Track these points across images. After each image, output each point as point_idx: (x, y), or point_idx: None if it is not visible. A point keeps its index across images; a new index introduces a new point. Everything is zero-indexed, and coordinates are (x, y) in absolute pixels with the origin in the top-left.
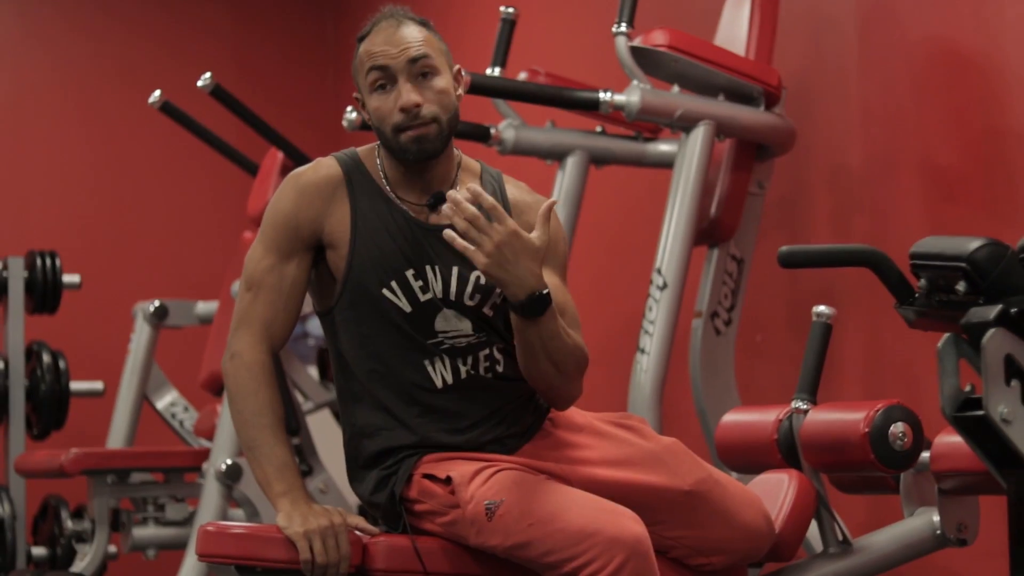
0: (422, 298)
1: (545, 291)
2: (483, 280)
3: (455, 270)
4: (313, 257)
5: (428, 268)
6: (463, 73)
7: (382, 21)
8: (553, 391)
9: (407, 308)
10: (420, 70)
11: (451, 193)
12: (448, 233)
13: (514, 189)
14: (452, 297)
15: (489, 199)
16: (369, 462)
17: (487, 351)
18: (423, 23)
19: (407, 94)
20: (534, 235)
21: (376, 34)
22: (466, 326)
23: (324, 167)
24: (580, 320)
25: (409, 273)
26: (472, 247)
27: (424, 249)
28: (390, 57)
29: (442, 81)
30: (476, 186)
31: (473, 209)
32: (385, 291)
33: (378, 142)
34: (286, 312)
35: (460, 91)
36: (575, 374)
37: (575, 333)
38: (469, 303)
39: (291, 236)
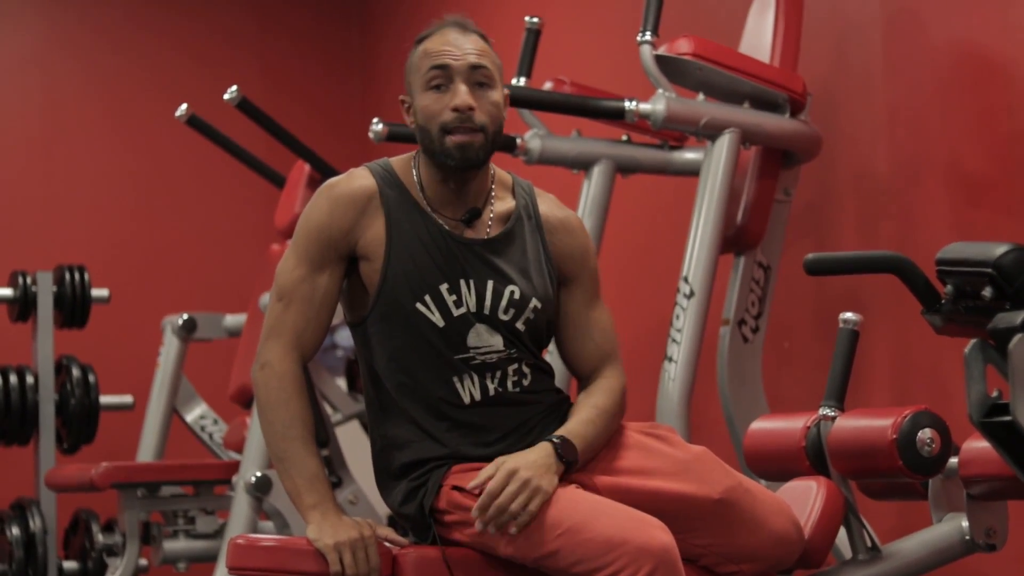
0: (455, 313)
1: (557, 445)
2: (517, 295)
3: (490, 284)
4: (345, 268)
5: (462, 282)
6: (508, 94)
7: (448, 25)
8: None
9: (440, 323)
10: (478, 79)
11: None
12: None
13: (544, 204)
14: (486, 311)
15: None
16: (398, 473)
17: (516, 366)
18: (485, 38)
19: (463, 95)
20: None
21: (441, 35)
22: (497, 341)
23: (358, 178)
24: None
25: (443, 287)
26: (538, 498)
27: (459, 263)
28: (453, 58)
29: (496, 95)
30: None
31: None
32: (419, 305)
33: (414, 152)
34: (317, 323)
35: (504, 112)
36: (619, 416)
37: (606, 382)
38: (503, 317)
39: (324, 247)
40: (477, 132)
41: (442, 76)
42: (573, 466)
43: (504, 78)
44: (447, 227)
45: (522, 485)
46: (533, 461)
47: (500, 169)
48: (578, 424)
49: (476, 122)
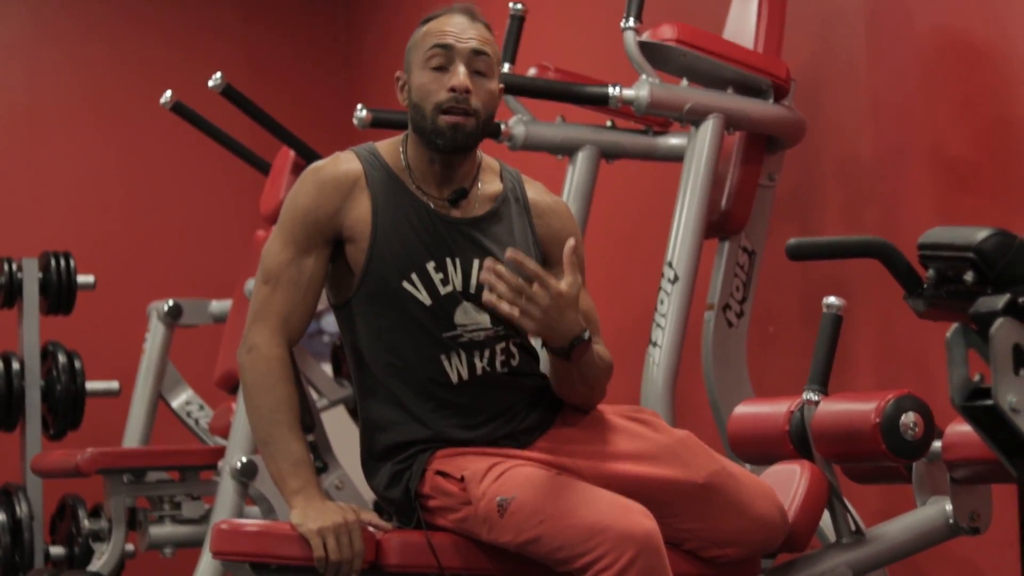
0: (442, 291)
1: (585, 335)
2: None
3: (475, 262)
4: (331, 252)
5: (448, 260)
6: (502, 88)
7: (456, 10)
8: (584, 403)
9: (427, 301)
10: (478, 66)
11: (489, 264)
12: (488, 299)
13: (532, 190)
14: (472, 290)
15: (532, 266)
16: (382, 455)
17: (504, 344)
18: (489, 29)
19: (462, 77)
20: (567, 282)
21: (448, 17)
22: (484, 319)
23: (343, 161)
24: (599, 320)
25: (430, 266)
26: (518, 315)
27: (445, 242)
28: (456, 39)
29: (492, 84)
30: (516, 253)
31: (517, 280)
32: (405, 283)
33: (402, 135)
34: (304, 306)
35: (497, 104)
36: (604, 385)
37: (601, 347)
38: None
39: (310, 230)
40: (470, 116)
41: (443, 56)
42: (582, 348)
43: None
44: (433, 206)
45: (537, 302)
46: (562, 316)
47: (488, 156)
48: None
49: (471, 105)
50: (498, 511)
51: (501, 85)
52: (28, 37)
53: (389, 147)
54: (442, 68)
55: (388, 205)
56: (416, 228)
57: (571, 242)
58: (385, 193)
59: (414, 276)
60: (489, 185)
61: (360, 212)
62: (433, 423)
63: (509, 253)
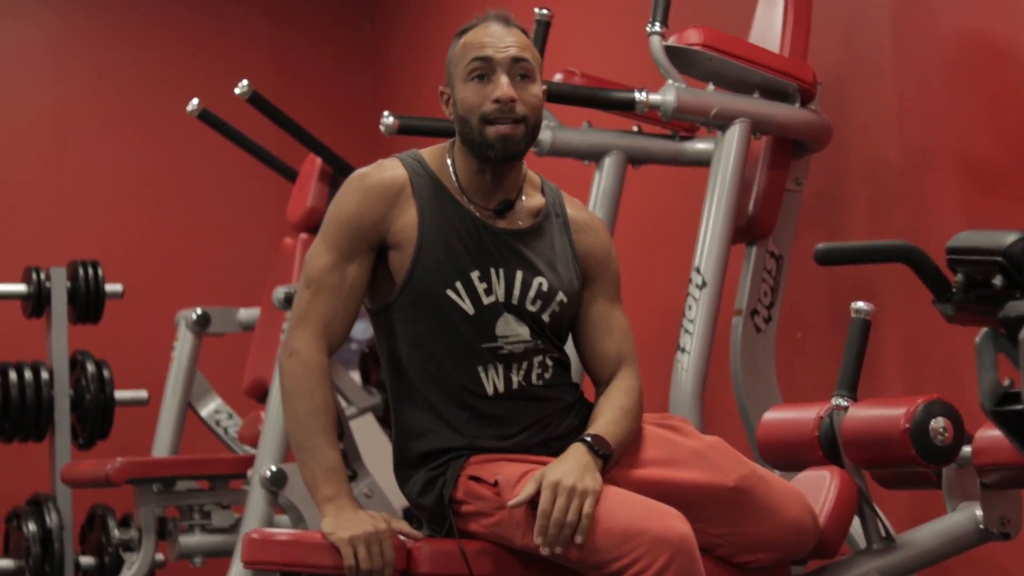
0: (485, 301)
1: (589, 443)
2: (545, 287)
3: (519, 274)
4: (374, 259)
5: (493, 271)
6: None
7: (491, 19)
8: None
9: (470, 310)
10: (520, 71)
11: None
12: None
13: (571, 207)
14: (515, 301)
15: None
16: (416, 462)
17: (540, 358)
18: (527, 33)
19: (505, 87)
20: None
21: (483, 27)
22: (524, 331)
23: (388, 168)
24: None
25: (474, 275)
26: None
27: (490, 252)
28: (496, 49)
29: (537, 88)
30: None
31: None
32: (449, 292)
33: (447, 144)
34: (345, 312)
35: (542, 107)
36: (640, 415)
37: (625, 382)
38: (530, 308)
39: (354, 237)
40: (519, 123)
41: (484, 67)
42: (609, 460)
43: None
44: (479, 216)
45: (570, 493)
46: (572, 466)
47: (530, 170)
48: (605, 424)
49: (518, 113)
50: (532, 516)
51: (545, 87)
52: (56, 44)
53: (434, 154)
54: (484, 79)
55: (434, 213)
56: (462, 237)
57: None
58: (431, 200)
59: (458, 284)
60: (532, 199)
61: (406, 219)
62: (467, 432)
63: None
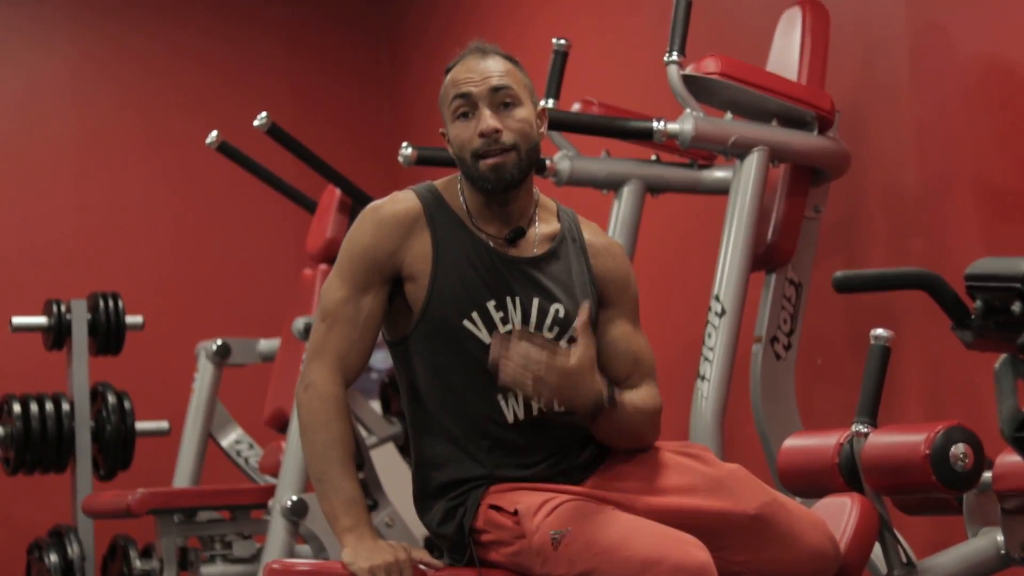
0: (502, 330)
1: (607, 401)
2: (562, 313)
3: (536, 301)
4: (389, 290)
5: (508, 300)
6: (546, 110)
7: (469, 54)
8: (633, 447)
9: (487, 340)
10: (502, 100)
11: (496, 340)
12: (503, 381)
13: (588, 231)
14: (531, 329)
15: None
16: (436, 492)
17: None
18: (508, 58)
19: (487, 120)
20: (577, 355)
21: (462, 64)
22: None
23: (402, 200)
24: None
25: (490, 304)
26: (531, 389)
27: (505, 280)
28: (473, 84)
29: (523, 112)
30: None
31: (528, 353)
32: (466, 322)
33: (459, 174)
34: (361, 344)
35: (543, 128)
36: (650, 432)
37: (646, 391)
38: (548, 335)
39: (368, 269)
40: (508, 152)
41: (466, 104)
42: (599, 415)
43: (537, 94)
44: (492, 245)
45: (545, 369)
46: (578, 381)
47: (544, 196)
48: (628, 400)
49: (505, 143)
50: (552, 544)
51: (542, 105)
52: (77, 74)
53: (448, 185)
54: (468, 116)
55: (449, 243)
56: (476, 267)
57: (583, 314)
58: (445, 231)
59: (475, 315)
60: (547, 225)
61: (420, 250)
62: (488, 461)
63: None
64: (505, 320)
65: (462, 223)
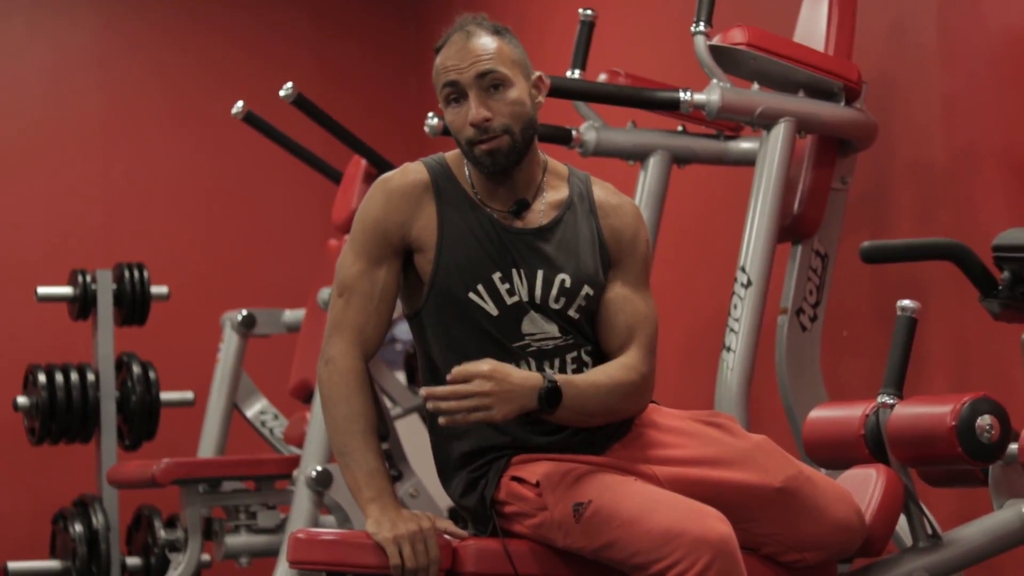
0: (508, 301)
1: (544, 389)
2: (568, 283)
3: (540, 273)
4: (403, 261)
5: (514, 271)
6: (544, 78)
7: (454, 34)
8: (608, 423)
9: (494, 311)
10: (490, 83)
11: (424, 392)
12: (445, 422)
13: (600, 191)
14: (538, 300)
15: (443, 389)
16: (458, 463)
17: (574, 354)
18: (497, 31)
19: (476, 110)
20: (489, 363)
21: (448, 47)
22: (553, 329)
23: (412, 172)
24: (660, 320)
25: (496, 276)
26: (478, 417)
27: (510, 253)
28: (459, 72)
29: (514, 92)
30: (425, 391)
31: (455, 389)
32: (472, 295)
33: None
34: (378, 317)
35: (540, 98)
36: (624, 405)
37: (619, 363)
38: (555, 306)
39: (380, 241)
40: (501, 136)
41: (454, 91)
42: (544, 413)
43: (531, 64)
44: (497, 217)
45: (481, 395)
46: (512, 384)
47: (556, 161)
48: (582, 381)
49: (496, 129)
50: (574, 516)
51: (537, 75)
52: (102, 46)
53: (456, 158)
54: (458, 102)
55: (454, 216)
56: (481, 239)
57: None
58: (451, 204)
59: (480, 287)
60: (555, 192)
61: (427, 222)
62: (508, 429)
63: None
64: (511, 292)
65: (467, 196)
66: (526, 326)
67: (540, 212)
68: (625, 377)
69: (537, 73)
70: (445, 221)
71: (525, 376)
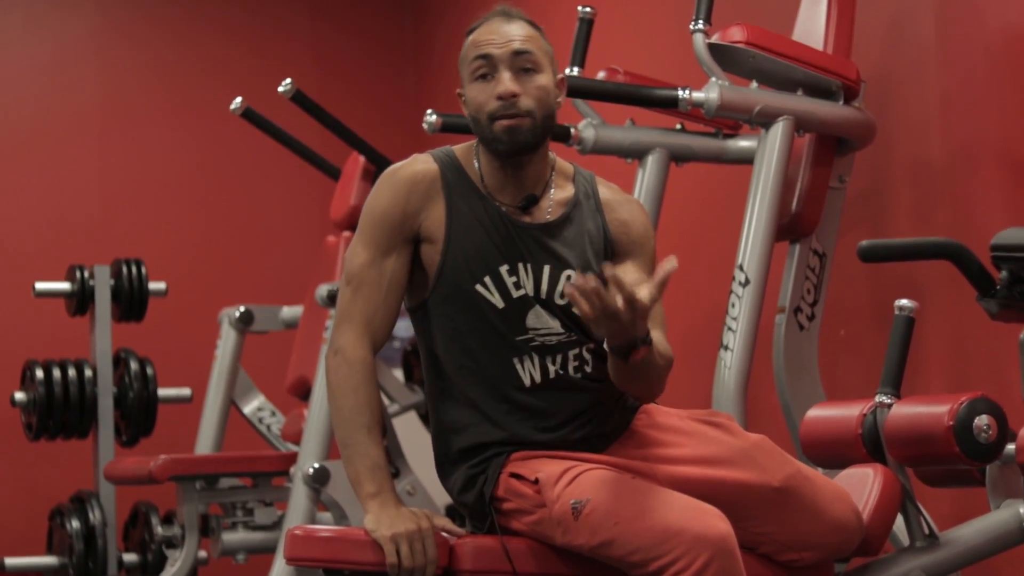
0: (515, 294)
1: (648, 339)
2: (573, 280)
3: (546, 268)
4: (411, 252)
5: (521, 265)
6: (565, 80)
7: (493, 16)
8: (641, 397)
9: (500, 304)
10: (522, 64)
11: (568, 288)
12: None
13: (605, 189)
14: (543, 295)
15: (598, 281)
16: (457, 458)
17: (576, 351)
18: (532, 24)
19: (506, 83)
20: (646, 295)
21: (486, 26)
22: (556, 324)
23: (419, 163)
24: (665, 317)
25: (503, 269)
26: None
27: (517, 246)
28: (495, 47)
29: (543, 79)
30: (613, 269)
31: (600, 291)
32: (478, 287)
33: (475, 140)
34: (386, 307)
35: (560, 97)
36: (663, 382)
37: (662, 342)
38: (559, 302)
39: (388, 231)
40: (524, 117)
41: (487, 65)
42: (641, 344)
43: (558, 65)
44: (505, 211)
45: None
46: (638, 320)
47: (562, 160)
48: (658, 342)
49: (522, 108)
50: (572, 514)
51: (561, 75)
52: (100, 39)
53: (464, 151)
54: (488, 77)
55: (462, 207)
56: (489, 231)
57: (668, 266)
58: (460, 196)
59: (487, 279)
60: (562, 190)
61: (435, 213)
62: (507, 425)
63: (607, 270)
64: (518, 285)
65: (476, 189)
66: (530, 320)
67: (548, 208)
68: (670, 355)
69: (561, 75)
70: (454, 212)
71: (643, 325)
